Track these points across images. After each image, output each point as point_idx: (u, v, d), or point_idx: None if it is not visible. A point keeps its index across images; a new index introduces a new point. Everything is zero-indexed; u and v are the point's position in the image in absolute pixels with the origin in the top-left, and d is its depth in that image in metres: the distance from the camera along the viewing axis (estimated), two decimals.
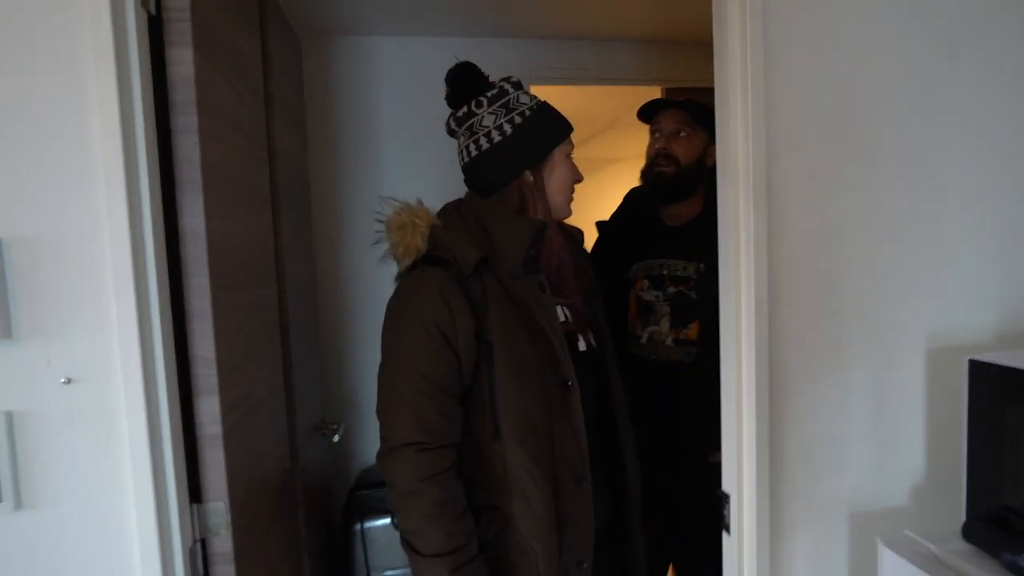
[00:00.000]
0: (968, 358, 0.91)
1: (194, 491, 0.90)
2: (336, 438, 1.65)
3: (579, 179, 1.15)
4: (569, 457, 1.02)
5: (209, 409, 0.91)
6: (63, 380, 0.79)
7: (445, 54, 2.04)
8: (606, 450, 1.17)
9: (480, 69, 1.12)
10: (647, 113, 1.57)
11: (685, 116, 1.50)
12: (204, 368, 0.90)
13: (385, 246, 1.09)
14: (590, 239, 1.67)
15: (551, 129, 1.11)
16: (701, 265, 1.44)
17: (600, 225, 1.68)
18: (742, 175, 0.95)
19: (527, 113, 1.08)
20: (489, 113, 1.08)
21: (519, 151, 1.08)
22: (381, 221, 1.10)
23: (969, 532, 0.89)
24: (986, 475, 0.90)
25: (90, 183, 0.79)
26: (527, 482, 0.99)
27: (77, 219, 0.79)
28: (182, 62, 0.87)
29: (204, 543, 0.93)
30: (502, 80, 1.12)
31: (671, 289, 1.49)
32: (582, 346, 1.13)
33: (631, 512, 1.17)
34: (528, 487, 0.99)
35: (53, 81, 0.78)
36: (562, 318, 1.11)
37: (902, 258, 1.02)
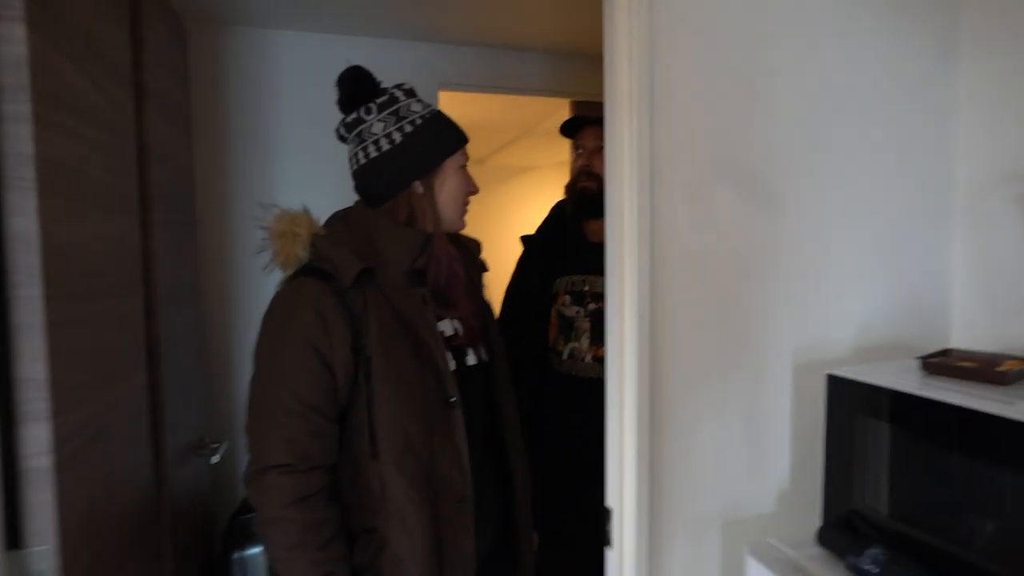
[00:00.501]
0: (826, 372, 0.97)
1: (12, 535, 0.78)
2: (215, 459, 1.53)
3: (473, 191, 1.12)
4: (450, 475, 0.99)
5: (36, 439, 0.79)
6: None
7: (349, 53, 1.97)
8: (496, 468, 1.14)
9: (372, 74, 1.07)
10: (570, 129, 1.57)
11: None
12: (33, 391, 0.79)
13: (269, 255, 1.03)
14: (516, 252, 1.65)
15: (442, 140, 1.07)
16: None
17: (525, 239, 1.67)
18: (627, 190, 0.96)
19: (418, 122, 1.04)
20: (379, 120, 1.03)
21: (408, 161, 1.03)
22: (264, 228, 1.03)
23: (822, 537, 0.94)
24: (839, 482, 0.96)
25: None
26: (404, 503, 0.94)
27: None
28: (11, 40, 0.76)
29: None
30: (394, 87, 1.07)
31: (592, 305, 1.49)
32: (471, 360, 1.10)
33: (519, 532, 1.15)
34: (405, 507, 0.95)
35: None
36: (451, 331, 1.08)
37: (772, 279, 1.07)
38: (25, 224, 0.79)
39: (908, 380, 0.89)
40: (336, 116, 1.99)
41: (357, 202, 1.10)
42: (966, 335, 1.18)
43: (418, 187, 1.05)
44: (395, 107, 1.04)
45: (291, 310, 0.95)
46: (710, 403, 1.05)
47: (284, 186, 1.90)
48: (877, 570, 0.82)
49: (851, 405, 0.95)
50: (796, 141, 1.07)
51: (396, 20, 1.90)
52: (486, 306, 1.20)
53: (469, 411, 1.03)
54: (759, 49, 1.04)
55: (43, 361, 0.79)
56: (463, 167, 1.10)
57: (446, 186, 1.07)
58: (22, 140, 0.78)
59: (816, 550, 0.94)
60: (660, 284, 0.99)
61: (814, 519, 1.07)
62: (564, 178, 3.21)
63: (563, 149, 3.47)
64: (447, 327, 1.07)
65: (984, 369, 0.87)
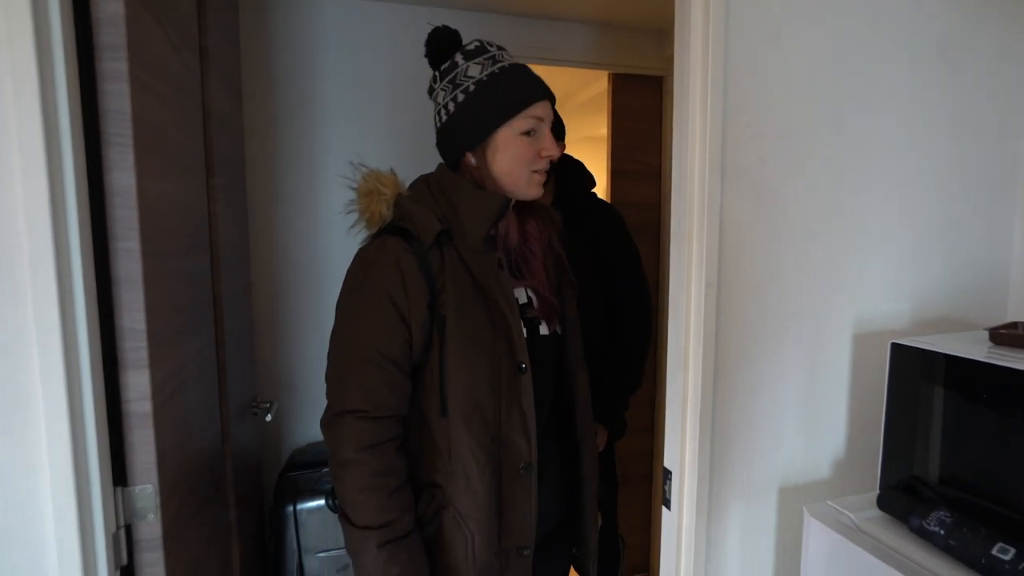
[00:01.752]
0: (891, 341, 0.99)
1: (119, 473, 0.83)
2: (268, 417, 1.58)
3: (544, 156, 1.02)
4: (515, 441, 1.00)
5: (138, 384, 0.84)
6: None
7: (391, 19, 1.98)
8: (563, 440, 1.15)
9: (459, 36, 1.05)
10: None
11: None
12: (133, 340, 0.83)
13: (356, 214, 1.05)
14: None
15: (491, 108, 0.99)
16: None
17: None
18: (697, 164, 0.97)
19: (471, 89, 0.99)
20: (441, 89, 1.03)
21: (457, 131, 1.01)
22: (352, 188, 1.05)
23: (883, 501, 0.97)
24: (899, 448, 0.99)
25: (1, 133, 0.70)
26: (469, 462, 0.97)
27: None
28: None
29: (129, 529, 0.86)
30: (458, 50, 1.03)
31: None
32: (544, 330, 1.08)
33: (584, 504, 1.15)
34: (470, 467, 0.97)
35: None
36: (524, 300, 1.07)
37: (832, 252, 1.09)
38: (124, 179, 0.82)
39: (976, 349, 0.91)
40: (378, 79, 2.00)
41: (439, 164, 1.09)
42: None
43: (470, 158, 1.02)
44: (452, 74, 1.01)
45: (372, 267, 0.98)
46: (769, 371, 1.07)
47: (329, 149, 1.92)
48: (943, 531, 0.85)
49: (915, 374, 0.97)
50: (858, 116, 1.07)
51: None
52: (566, 279, 1.16)
53: (538, 380, 1.03)
54: (827, 25, 1.04)
55: (142, 312, 0.83)
56: (526, 133, 1.00)
57: (498, 156, 1.01)
58: (120, 98, 0.81)
59: (875, 513, 0.97)
60: (725, 254, 1.01)
61: (869, 487, 1.10)
62: (596, 152, 3.18)
63: (596, 123, 3.45)
64: (520, 295, 1.06)
65: None
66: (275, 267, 1.89)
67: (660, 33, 2.33)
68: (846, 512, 0.97)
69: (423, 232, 0.98)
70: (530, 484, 1.01)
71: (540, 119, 1.01)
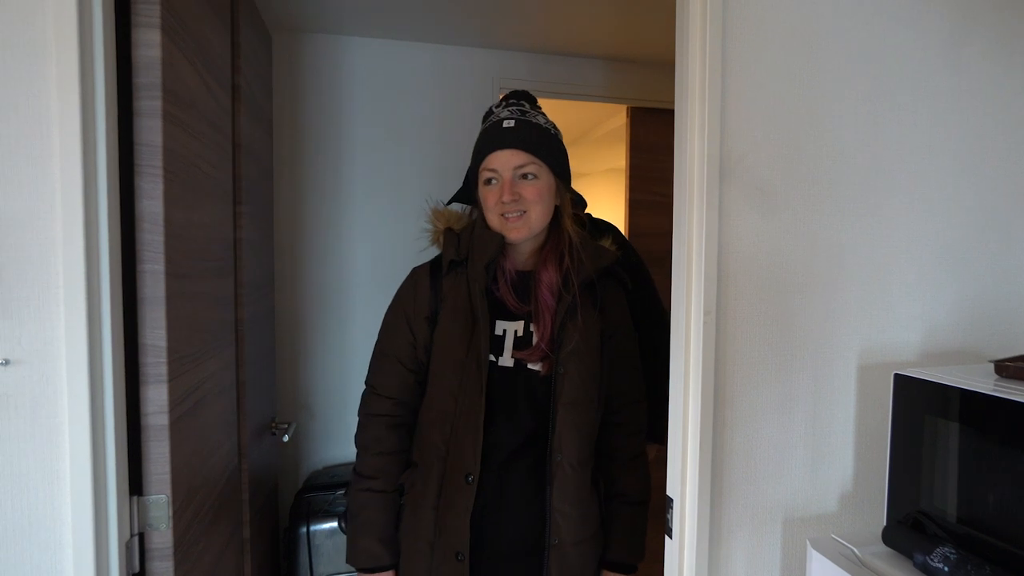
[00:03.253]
0: (894, 372, 0.98)
1: (135, 482, 0.88)
2: (286, 438, 1.62)
3: (499, 206, 1.12)
4: (464, 452, 1.10)
5: (156, 399, 0.89)
6: (1, 361, 0.77)
7: (416, 58, 2.08)
8: (542, 474, 1.16)
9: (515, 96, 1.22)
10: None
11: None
12: (154, 356, 0.89)
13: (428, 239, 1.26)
14: None
15: (472, 162, 1.18)
16: None
17: None
18: (696, 191, 1.00)
19: (478, 136, 1.18)
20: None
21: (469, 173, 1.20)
22: (427, 222, 1.25)
23: (888, 536, 0.95)
24: (905, 482, 0.97)
25: (45, 160, 0.78)
26: (432, 456, 1.13)
27: (28, 196, 0.77)
28: (149, 44, 0.87)
29: (142, 537, 0.90)
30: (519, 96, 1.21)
31: None
32: (534, 366, 1.14)
33: (551, 530, 1.14)
34: (431, 460, 1.13)
35: (12, 55, 0.76)
36: (516, 331, 1.16)
37: (839, 281, 1.09)
38: (152, 207, 0.89)
39: (979, 381, 0.90)
40: (403, 116, 2.10)
41: None
42: None
43: (477, 196, 1.19)
44: (489, 117, 1.18)
45: (401, 287, 1.21)
46: (773, 401, 1.07)
47: (354, 183, 2.01)
48: (948, 568, 0.83)
49: (919, 405, 0.95)
50: (864, 143, 1.09)
51: (459, 27, 1.98)
52: (573, 324, 1.15)
53: (506, 410, 1.13)
54: (827, 51, 1.06)
55: (163, 330, 0.89)
56: (486, 183, 1.14)
57: (481, 200, 1.17)
58: (152, 132, 0.88)
59: (880, 548, 0.95)
60: (726, 282, 1.02)
61: (875, 521, 1.07)
62: (616, 185, 3.23)
63: (615, 155, 3.50)
64: (511, 327, 1.15)
65: None
66: (299, 293, 1.96)
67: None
68: (850, 546, 0.95)
69: (444, 260, 1.16)
70: (470, 495, 1.10)
71: (492, 170, 1.13)
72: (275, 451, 1.73)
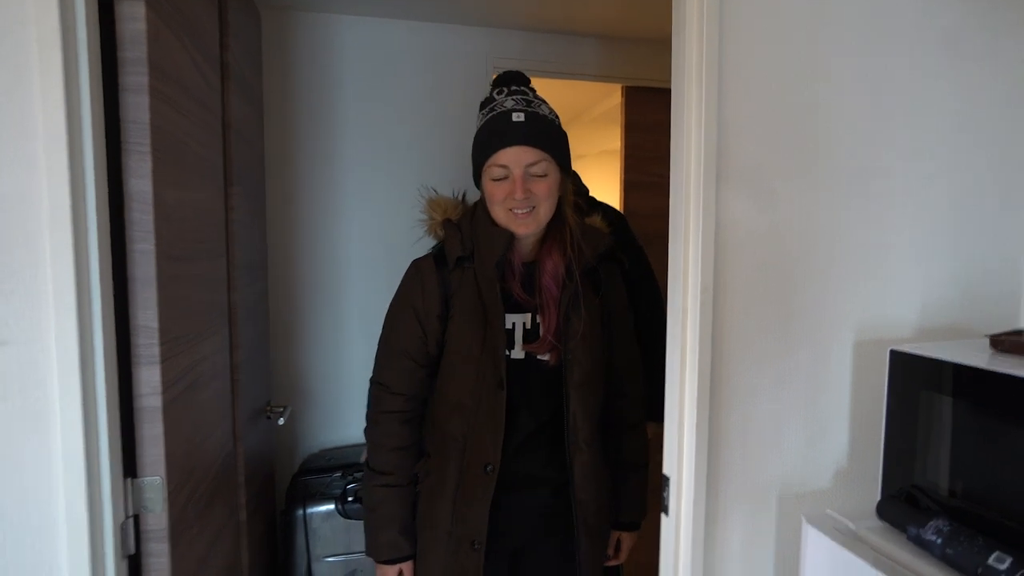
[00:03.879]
0: (889, 348, 0.99)
1: (129, 465, 0.87)
2: (281, 421, 1.62)
3: (508, 202, 1.11)
4: (483, 443, 1.13)
5: (149, 380, 0.89)
6: None
7: (408, 37, 2.04)
8: (558, 465, 1.21)
9: (509, 78, 1.20)
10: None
11: None
12: (146, 338, 0.88)
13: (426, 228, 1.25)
14: None
15: (475, 155, 1.16)
16: None
17: None
18: (693, 165, 0.99)
19: (478, 128, 1.16)
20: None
21: (473, 164, 1.18)
22: (421, 212, 1.24)
23: (882, 510, 0.96)
24: (899, 457, 0.98)
25: (29, 139, 0.76)
26: (448, 448, 1.15)
27: (12, 176, 0.76)
28: (133, 18, 0.85)
29: (137, 519, 0.90)
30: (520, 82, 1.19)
31: None
32: (543, 356, 1.18)
33: (577, 510, 1.21)
34: (444, 453, 1.16)
35: None
36: (524, 325, 1.18)
37: (837, 258, 1.09)
38: (141, 186, 0.87)
39: (975, 355, 0.90)
40: (395, 96, 2.08)
41: None
42: None
43: (479, 189, 1.18)
44: (491, 104, 1.15)
45: (406, 281, 1.21)
46: (769, 377, 1.07)
47: (347, 163, 1.99)
48: (940, 540, 0.84)
49: (914, 381, 0.96)
50: (861, 121, 1.08)
51: (451, 4, 1.95)
52: (576, 314, 1.17)
53: (523, 399, 1.16)
54: (826, 28, 1.05)
55: (155, 310, 0.88)
56: (496, 179, 1.12)
57: (486, 193, 1.15)
58: (140, 109, 0.87)
59: (875, 523, 0.96)
60: (723, 258, 1.02)
61: (870, 496, 1.08)
62: (611, 166, 3.21)
63: (609, 138, 3.48)
64: (519, 320, 1.17)
65: None
66: (293, 276, 1.95)
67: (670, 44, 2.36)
68: (844, 521, 0.96)
69: (449, 256, 1.16)
70: (490, 484, 1.13)
71: (503, 166, 1.10)
72: (271, 435, 1.73)
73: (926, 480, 0.95)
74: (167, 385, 0.91)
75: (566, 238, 1.18)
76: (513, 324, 1.17)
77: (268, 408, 1.65)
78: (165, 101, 0.93)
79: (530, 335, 1.18)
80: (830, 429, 1.11)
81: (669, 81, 1.07)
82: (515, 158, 1.09)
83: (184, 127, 1.02)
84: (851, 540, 0.93)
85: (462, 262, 1.16)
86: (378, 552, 1.19)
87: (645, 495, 1.34)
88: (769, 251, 1.05)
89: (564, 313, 1.16)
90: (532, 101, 1.13)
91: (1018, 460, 0.84)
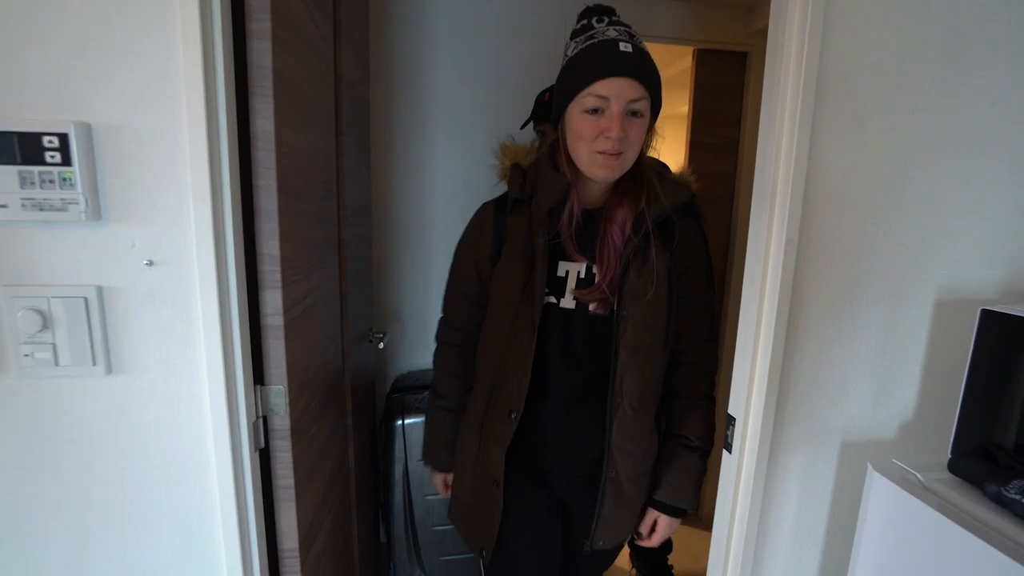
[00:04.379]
0: (981, 308, 0.84)
1: (258, 374, 0.88)
2: (381, 346, 1.64)
3: (609, 135, 0.88)
4: (509, 387, 1.01)
5: (272, 302, 0.87)
6: (146, 262, 0.76)
7: (503, 5, 1.90)
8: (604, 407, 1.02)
9: (596, 11, 0.95)
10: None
11: None
12: (270, 264, 0.86)
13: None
14: None
15: (565, 85, 0.92)
16: None
17: None
18: (788, 112, 0.85)
19: (562, 68, 0.93)
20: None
21: (553, 106, 0.98)
22: (495, 156, 1.13)
23: (955, 465, 0.84)
24: (978, 414, 0.85)
25: (172, 81, 0.73)
26: (482, 380, 1.09)
27: (160, 114, 0.73)
28: None
29: (265, 420, 0.92)
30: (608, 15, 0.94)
31: None
32: (593, 308, 0.99)
33: (608, 463, 1.02)
34: (480, 385, 1.09)
35: None
36: (577, 274, 1.00)
37: (923, 215, 0.93)
38: (264, 126, 0.83)
39: None
40: (487, 55, 1.92)
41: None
42: None
43: (550, 131, 1.01)
44: (589, 32, 0.91)
45: (469, 225, 1.12)
46: (844, 330, 0.95)
47: (441, 125, 1.91)
48: None
49: (1005, 342, 0.82)
50: (965, 71, 0.89)
51: None
52: (643, 269, 0.97)
53: (566, 350, 1.00)
54: None
55: (277, 240, 0.86)
56: (590, 111, 0.89)
57: (567, 133, 0.95)
58: (264, 54, 0.81)
59: (944, 475, 0.85)
60: (810, 210, 0.89)
61: (936, 451, 0.96)
62: (673, 131, 3.00)
63: (676, 102, 3.21)
64: (573, 268, 1.00)
65: None
66: (390, 221, 1.93)
67: (747, 8, 2.09)
68: (912, 471, 0.86)
69: (508, 199, 1.05)
70: (508, 431, 1.02)
71: (603, 97, 0.88)
72: (372, 356, 1.76)
73: (1006, 439, 0.82)
74: (287, 307, 0.89)
75: (641, 187, 0.98)
76: (567, 272, 1.00)
77: (370, 333, 1.67)
78: (286, 48, 0.88)
79: (583, 284, 0.99)
80: (900, 384, 0.99)
81: (742, 45, 0.92)
82: (619, 90, 0.86)
83: (301, 73, 0.97)
84: (920, 490, 0.82)
85: (519, 204, 1.02)
86: (428, 460, 1.22)
87: (699, 483, 1.06)
88: (859, 203, 0.91)
89: (624, 264, 0.96)
90: (634, 35, 0.91)
91: None
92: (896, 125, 0.89)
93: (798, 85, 0.83)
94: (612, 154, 0.90)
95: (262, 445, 0.91)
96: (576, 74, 0.89)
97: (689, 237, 1.01)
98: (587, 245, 0.99)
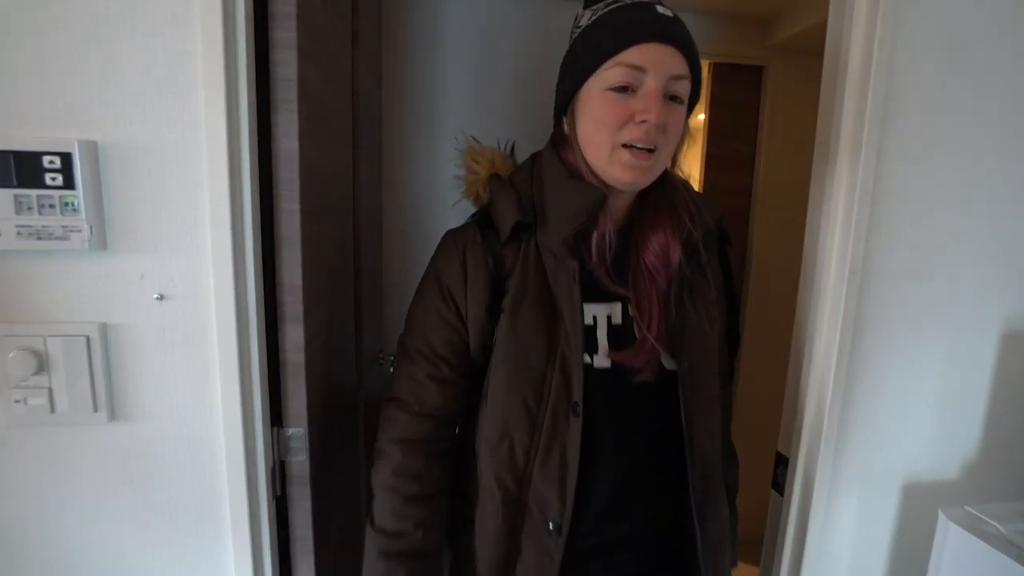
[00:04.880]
0: None
1: (275, 414, 0.80)
2: (392, 369, 1.55)
3: (644, 118, 0.64)
4: (546, 494, 0.70)
5: (294, 336, 0.79)
6: (156, 296, 0.68)
7: (503, 7, 1.84)
8: (662, 515, 0.77)
9: None
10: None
11: None
12: (291, 295, 0.78)
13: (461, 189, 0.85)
14: None
15: (581, 58, 0.68)
16: None
17: None
18: (851, 133, 0.79)
19: (573, 41, 0.71)
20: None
21: (556, 94, 0.75)
22: (458, 166, 0.85)
23: None
24: None
25: (190, 94, 0.65)
26: (487, 496, 0.74)
27: (175, 129, 0.66)
28: None
29: (283, 465, 0.83)
30: None
31: None
32: (641, 378, 0.73)
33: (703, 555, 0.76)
34: (487, 503, 0.74)
35: None
36: (616, 319, 0.73)
37: (993, 244, 0.87)
38: (289, 144, 0.76)
39: None
40: (503, 64, 1.83)
41: (551, 136, 0.81)
42: None
43: (564, 124, 0.74)
44: (575, 21, 0.73)
45: (442, 253, 0.77)
46: (903, 362, 0.89)
47: (444, 129, 1.84)
48: None
49: None
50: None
51: None
52: (698, 308, 0.75)
53: (610, 426, 0.72)
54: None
55: (299, 268, 0.78)
56: (617, 88, 0.65)
57: (580, 119, 0.70)
58: (289, 66, 0.74)
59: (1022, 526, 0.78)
60: (873, 236, 0.83)
61: (1003, 495, 0.90)
62: (689, 144, 2.95)
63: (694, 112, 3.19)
64: (603, 312, 0.73)
65: None
66: (402, 237, 1.85)
67: (763, 23, 2.06)
68: (991, 521, 0.79)
69: (500, 223, 0.73)
70: (555, 552, 0.71)
71: (636, 68, 0.63)
72: (380, 381, 1.67)
73: None
74: (309, 340, 0.82)
75: (679, 202, 0.75)
76: (594, 318, 0.72)
77: (381, 356, 1.59)
78: (310, 59, 0.80)
79: (619, 335, 0.73)
80: (964, 420, 0.93)
81: (757, 59, 0.85)
82: (658, 59, 0.63)
83: (325, 87, 0.90)
84: (1003, 543, 0.76)
85: (520, 232, 0.73)
86: None
87: (735, 548, 0.88)
88: (922, 231, 0.85)
89: (674, 306, 0.73)
90: (666, 7, 0.70)
91: None
92: (963, 151, 0.84)
93: (864, 101, 0.77)
94: (645, 150, 0.66)
95: (279, 493, 0.82)
96: (598, 41, 0.66)
97: (713, 263, 0.80)
98: (620, 282, 0.74)
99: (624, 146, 0.66)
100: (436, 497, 0.76)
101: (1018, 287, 0.89)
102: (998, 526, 0.78)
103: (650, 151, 0.66)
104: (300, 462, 0.83)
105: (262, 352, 0.75)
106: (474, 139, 0.83)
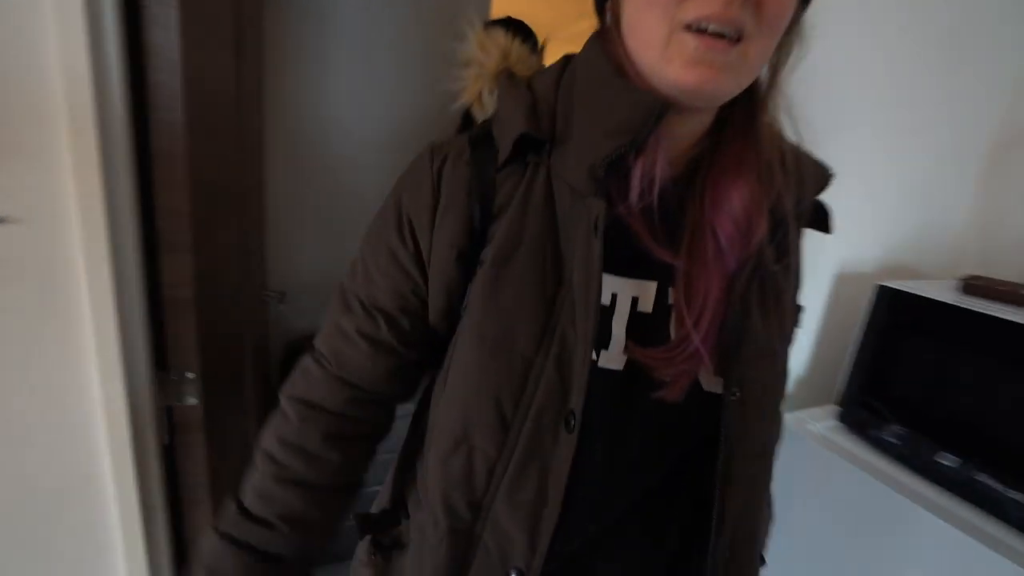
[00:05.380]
0: (877, 283, 0.98)
1: (160, 358, 0.71)
2: (280, 306, 1.44)
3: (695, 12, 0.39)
4: (509, 531, 0.48)
5: (178, 270, 0.70)
6: None
7: None
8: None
9: None
10: None
11: None
12: (175, 222, 0.68)
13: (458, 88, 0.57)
14: None
15: None
16: None
17: None
18: None
19: None
20: None
21: None
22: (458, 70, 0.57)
23: (844, 416, 0.99)
24: (863, 372, 1.00)
25: None
26: (433, 513, 0.50)
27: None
28: None
29: (171, 410, 0.76)
30: None
31: None
32: (663, 394, 0.47)
33: None
34: (428, 529, 0.51)
35: None
36: (643, 304, 0.47)
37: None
38: (166, 39, 0.63)
39: (950, 295, 0.91)
40: None
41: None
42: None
43: (606, 11, 0.49)
44: None
45: (408, 172, 0.52)
46: None
47: (340, 35, 1.64)
48: (899, 443, 0.88)
49: (894, 313, 0.96)
50: (845, 97, 1.00)
51: None
52: (768, 287, 0.49)
53: (610, 452, 0.47)
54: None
55: (188, 191, 0.68)
56: None
57: (628, 5, 0.44)
58: None
59: (833, 424, 1.00)
60: None
61: (822, 401, 1.13)
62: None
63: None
64: (627, 290, 0.47)
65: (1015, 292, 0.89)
66: (289, 158, 1.64)
67: None
68: (811, 422, 1.00)
69: (501, 137, 0.49)
70: None
71: None
72: (266, 319, 1.55)
73: (884, 393, 0.98)
74: (196, 275, 0.73)
75: (768, 145, 0.48)
76: (613, 297, 0.47)
77: (265, 292, 1.46)
78: None
79: (643, 327, 0.47)
80: (798, 343, 1.13)
81: None
82: None
83: None
84: (822, 440, 0.96)
85: (528, 152, 0.48)
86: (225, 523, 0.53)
87: None
88: None
89: (738, 303, 0.47)
90: None
91: (978, 390, 0.87)
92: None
93: None
94: (719, 35, 0.39)
95: (166, 441, 0.75)
96: None
97: (795, 247, 0.54)
98: (669, 246, 0.47)
99: (688, 29, 0.40)
100: (325, 492, 0.53)
101: (845, 238, 1.08)
102: (817, 426, 0.98)
103: (735, 41, 0.40)
104: (192, 407, 0.76)
105: (139, 287, 0.65)
106: (490, 23, 0.57)
